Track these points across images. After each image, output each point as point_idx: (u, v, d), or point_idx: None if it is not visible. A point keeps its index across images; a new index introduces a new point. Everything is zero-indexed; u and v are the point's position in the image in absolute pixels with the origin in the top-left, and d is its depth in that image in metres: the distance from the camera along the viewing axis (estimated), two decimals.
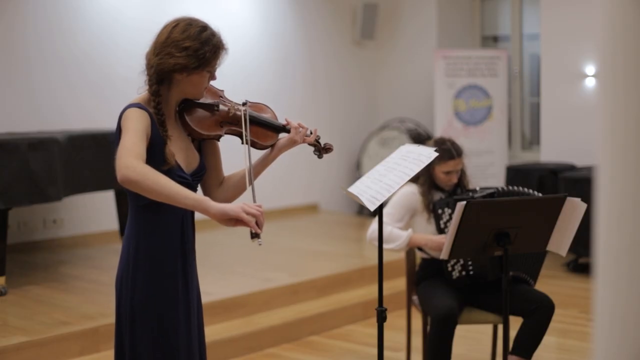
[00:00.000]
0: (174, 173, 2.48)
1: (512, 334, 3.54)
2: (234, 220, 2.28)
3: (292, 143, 2.68)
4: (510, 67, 8.41)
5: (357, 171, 8.83)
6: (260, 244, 2.28)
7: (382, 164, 3.26)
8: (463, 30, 8.90)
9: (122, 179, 2.23)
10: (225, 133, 2.58)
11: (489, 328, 4.12)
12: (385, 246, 3.57)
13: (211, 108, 2.56)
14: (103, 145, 5.39)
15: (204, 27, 2.48)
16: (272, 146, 2.65)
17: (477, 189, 3.77)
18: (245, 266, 5.84)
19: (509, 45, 8.62)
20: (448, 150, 3.73)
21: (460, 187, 3.84)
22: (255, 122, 2.62)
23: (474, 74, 8.03)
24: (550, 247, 3.43)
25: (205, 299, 4.77)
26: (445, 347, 3.54)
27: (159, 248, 2.53)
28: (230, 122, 2.58)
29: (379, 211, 3.07)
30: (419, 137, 8.50)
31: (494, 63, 8.05)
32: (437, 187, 3.80)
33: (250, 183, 2.51)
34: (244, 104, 2.62)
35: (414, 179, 3.76)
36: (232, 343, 4.61)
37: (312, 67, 8.63)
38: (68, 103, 6.58)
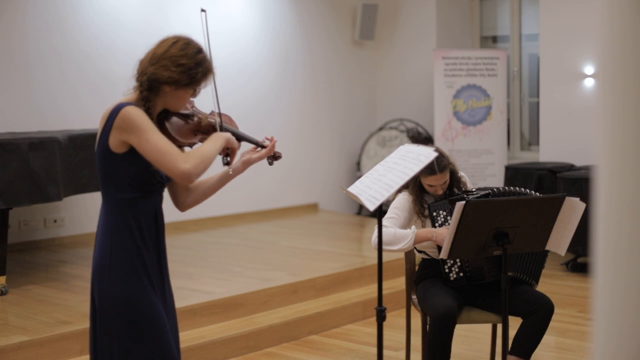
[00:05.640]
0: (158, 174, 2.62)
1: (512, 333, 3.55)
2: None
3: (260, 158, 2.85)
4: (510, 67, 8.42)
5: (357, 171, 8.84)
6: (231, 173, 2.75)
7: (381, 164, 3.27)
8: (462, 30, 8.91)
9: (193, 174, 2.52)
10: (199, 141, 2.74)
11: (488, 328, 4.13)
12: (392, 248, 3.56)
13: (187, 118, 2.73)
14: None
15: (200, 50, 2.64)
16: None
17: (474, 189, 3.76)
18: (244, 266, 5.84)
19: (508, 46, 8.63)
20: (430, 166, 3.57)
21: (455, 189, 3.82)
22: (230, 132, 2.77)
23: (473, 74, 8.03)
24: (549, 246, 3.43)
25: (204, 298, 4.85)
26: (445, 346, 3.54)
27: (136, 241, 2.62)
28: (203, 131, 2.74)
29: (378, 211, 3.08)
30: (419, 137, 8.51)
31: (493, 63, 8.06)
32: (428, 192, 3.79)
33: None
34: (211, 113, 2.79)
35: (405, 187, 3.74)
36: (231, 342, 4.62)
37: (312, 67, 8.63)
38: (68, 103, 6.59)
